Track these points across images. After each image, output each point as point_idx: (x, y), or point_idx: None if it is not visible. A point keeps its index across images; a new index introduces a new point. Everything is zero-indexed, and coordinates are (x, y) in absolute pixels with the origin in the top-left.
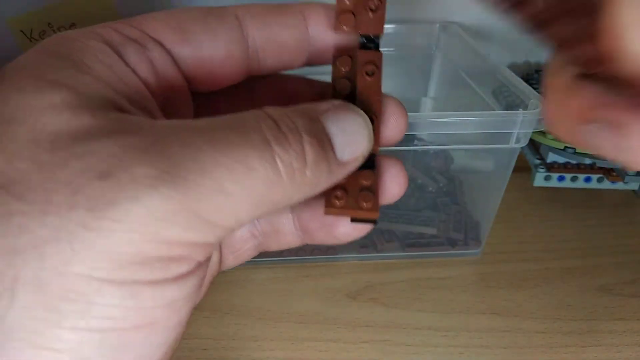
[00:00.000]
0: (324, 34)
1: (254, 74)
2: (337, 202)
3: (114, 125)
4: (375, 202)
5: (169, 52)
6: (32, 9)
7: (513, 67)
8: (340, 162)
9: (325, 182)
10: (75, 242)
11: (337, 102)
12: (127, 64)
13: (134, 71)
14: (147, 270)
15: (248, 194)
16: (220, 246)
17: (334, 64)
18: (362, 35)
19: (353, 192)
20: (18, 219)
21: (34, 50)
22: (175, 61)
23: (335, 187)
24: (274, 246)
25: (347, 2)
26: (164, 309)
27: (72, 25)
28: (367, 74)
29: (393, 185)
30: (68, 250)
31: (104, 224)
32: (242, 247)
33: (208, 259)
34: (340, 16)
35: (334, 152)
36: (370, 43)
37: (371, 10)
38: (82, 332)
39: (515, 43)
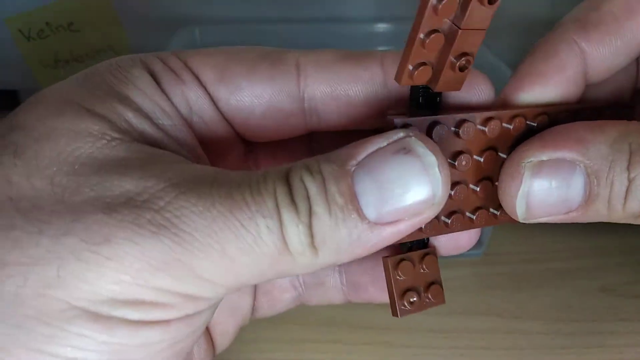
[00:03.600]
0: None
1: (314, 130)
2: (410, 308)
3: (143, 161)
4: (442, 293)
5: (206, 90)
6: (30, 9)
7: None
8: (376, 224)
9: (356, 250)
10: (63, 268)
11: (393, 135)
12: (164, 93)
13: (171, 102)
14: (127, 310)
15: (252, 264)
16: (255, 293)
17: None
18: (426, 92)
19: (423, 290)
20: (16, 234)
21: (79, 78)
22: (214, 101)
23: (406, 289)
24: (315, 300)
25: (425, 51)
26: (140, 350)
27: (70, 25)
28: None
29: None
30: (54, 275)
31: (95, 258)
32: (280, 297)
33: (204, 312)
34: (417, 69)
35: (359, 216)
36: (429, 99)
37: (459, 70)
38: (49, 358)
39: (516, 40)
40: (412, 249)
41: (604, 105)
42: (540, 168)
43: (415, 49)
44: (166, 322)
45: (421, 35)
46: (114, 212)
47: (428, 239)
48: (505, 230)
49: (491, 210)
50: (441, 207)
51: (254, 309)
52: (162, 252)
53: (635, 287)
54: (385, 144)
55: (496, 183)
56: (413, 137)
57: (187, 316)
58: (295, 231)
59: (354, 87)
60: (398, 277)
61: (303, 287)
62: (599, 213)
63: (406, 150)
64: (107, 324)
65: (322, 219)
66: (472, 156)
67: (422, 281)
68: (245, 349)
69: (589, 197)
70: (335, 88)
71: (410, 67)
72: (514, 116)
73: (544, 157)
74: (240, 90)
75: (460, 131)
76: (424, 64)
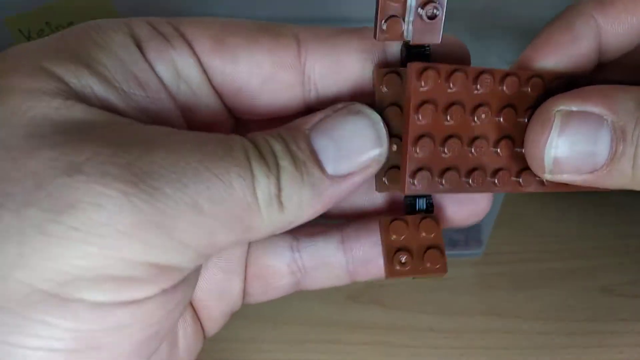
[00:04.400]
0: None
1: (309, 107)
2: (401, 268)
3: (102, 121)
4: (443, 260)
5: (198, 59)
6: (30, 9)
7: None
8: (335, 177)
9: (317, 205)
10: (26, 245)
11: (339, 105)
12: (145, 59)
13: (152, 70)
14: (96, 290)
15: (223, 215)
16: (246, 276)
17: (374, 78)
18: (410, 46)
19: (418, 252)
20: None
21: (55, 35)
22: (205, 72)
23: (397, 249)
24: (317, 284)
25: (394, 4)
26: (111, 334)
27: (71, 24)
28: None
29: (463, 213)
30: (15, 254)
31: (60, 230)
32: (275, 283)
33: (178, 288)
34: (387, 22)
35: (321, 170)
36: (419, 54)
37: (428, 17)
38: (12, 349)
39: (516, 40)
40: (415, 213)
41: (623, 80)
42: (569, 119)
43: (381, 2)
44: (137, 302)
45: None
46: (77, 173)
47: (433, 206)
48: (505, 230)
49: (513, 178)
50: (384, 159)
51: (246, 293)
52: (131, 214)
53: (635, 287)
54: (331, 112)
55: (516, 149)
56: (357, 103)
57: (161, 292)
58: (265, 182)
59: (354, 60)
60: (391, 237)
61: (303, 271)
62: (623, 173)
63: (356, 111)
64: (72, 308)
65: (289, 172)
66: (491, 111)
67: (418, 244)
68: (245, 349)
69: (614, 155)
70: (335, 61)
71: (383, 22)
72: (532, 77)
73: (574, 107)
74: (237, 60)
75: (478, 83)
76: (393, 16)
